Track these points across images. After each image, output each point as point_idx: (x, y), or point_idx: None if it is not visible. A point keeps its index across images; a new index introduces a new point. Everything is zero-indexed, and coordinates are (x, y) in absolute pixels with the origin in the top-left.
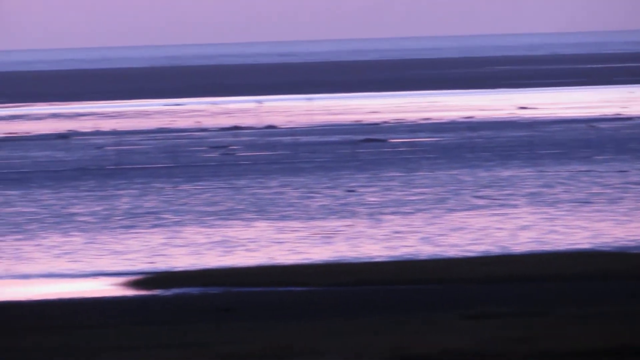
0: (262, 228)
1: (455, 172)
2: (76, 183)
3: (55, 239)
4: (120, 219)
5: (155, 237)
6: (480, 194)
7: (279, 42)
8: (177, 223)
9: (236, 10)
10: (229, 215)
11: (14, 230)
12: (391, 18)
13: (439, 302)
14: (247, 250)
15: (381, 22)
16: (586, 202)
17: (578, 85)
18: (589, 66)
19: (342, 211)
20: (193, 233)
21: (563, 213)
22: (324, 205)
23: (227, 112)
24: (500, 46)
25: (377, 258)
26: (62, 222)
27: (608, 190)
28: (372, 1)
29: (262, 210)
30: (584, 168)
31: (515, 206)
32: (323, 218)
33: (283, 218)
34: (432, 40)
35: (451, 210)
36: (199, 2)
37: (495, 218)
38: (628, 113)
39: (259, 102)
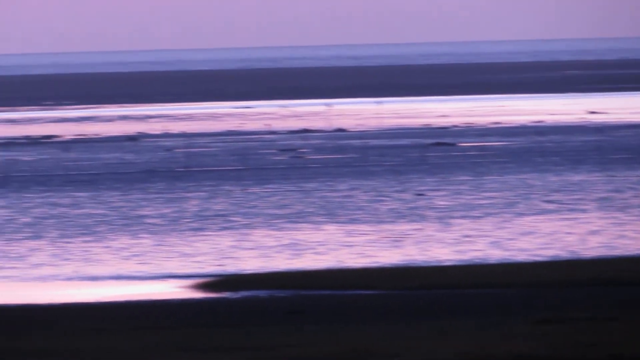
0: (331, 231)
1: (524, 176)
2: (145, 185)
3: (124, 241)
4: (189, 222)
5: (224, 240)
6: (549, 198)
7: (348, 45)
8: (246, 226)
9: (301, 12)
10: (298, 218)
11: (83, 232)
12: (455, 21)
13: (509, 307)
14: (315, 253)
15: (447, 26)
16: None
17: None
18: None
19: (412, 215)
20: (262, 236)
21: (633, 218)
22: (393, 208)
23: (297, 115)
24: (568, 51)
25: (446, 262)
26: (131, 224)
27: None
28: (435, 5)
29: (331, 214)
30: None
31: (584, 211)
32: (392, 221)
33: (352, 221)
34: (502, 44)
35: (520, 214)
36: (263, 4)
37: (565, 223)
38: None
39: (329, 105)
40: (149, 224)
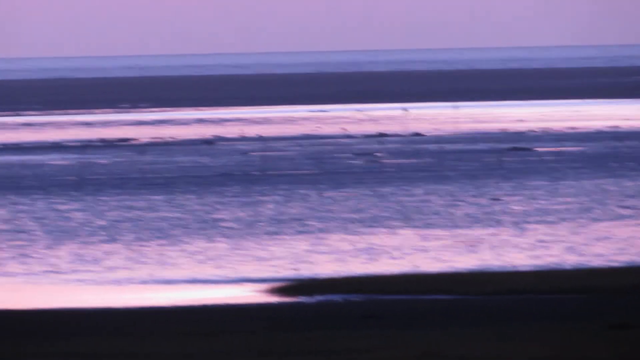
0: (406, 236)
1: (600, 181)
2: (221, 189)
3: (199, 244)
4: (264, 225)
5: (300, 244)
6: (625, 203)
7: (426, 50)
8: (321, 230)
9: (374, 16)
10: (374, 222)
11: (158, 235)
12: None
13: (583, 312)
14: (391, 257)
15: (522, 30)
16: None
17: None
18: None
19: (487, 219)
20: (337, 240)
21: None
22: (469, 213)
23: (373, 119)
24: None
25: (521, 267)
26: (207, 227)
27: None
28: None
29: (406, 218)
30: None
31: None
32: (467, 226)
33: (427, 226)
34: (576, 49)
35: (596, 219)
36: (335, 8)
37: None
38: None
39: (405, 109)
40: (225, 227)
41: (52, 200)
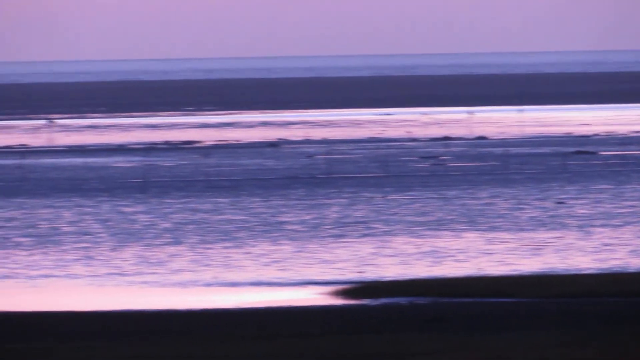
0: (471, 239)
1: None
2: (286, 191)
3: (264, 247)
4: (329, 228)
5: (365, 247)
6: None
7: (488, 53)
8: (386, 233)
9: (439, 19)
10: (439, 225)
11: (224, 237)
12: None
13: None
14: (456, 260)
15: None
16: None
17: None
18: None
19: (552, 223)
20: (402, 243)
21: None
22: (534, 216)
23: (438, 123)
24: None
25: (586, 270)
26: (272, 230)
27: None
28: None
29: (471, 221)
30: None
31: None
32: (532, 229)
33: (492, 229)
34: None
35: None
36: (399, 12)
37: None
38: None
39: (470, 112)
40: (290, 230)
41: (117, 203)
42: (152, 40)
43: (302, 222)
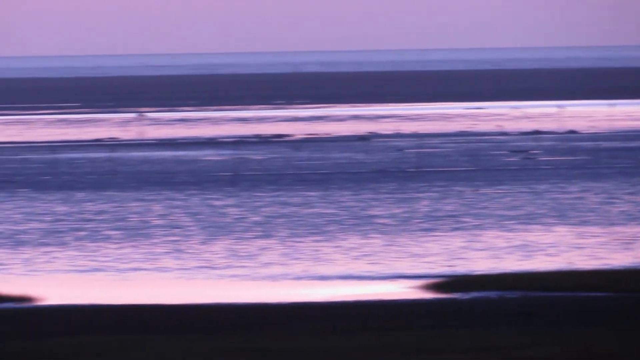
0: (561, 233)
1: None
2: (376, 185)
3: (354, 240)
4: (420, 222)
5: (455, 241)
6: None
7: (583, 47)
8: (476, 226)
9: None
10: (529, 219)
11: (314, 231)
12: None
13: None
14: (546, 255)
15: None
16: None
17: None
18: None
19: None
20: (492, 237)
21: None
22: (625, 210)
23: (528, 117)
24: None
25: None
26: (362, 223)
27: None
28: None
29: (562, 215)
30: None
31: None
32: (623, 224)
33: (583, 223)
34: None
35: None
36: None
37: None
38: None
39: (560, 107)
40: (380, 224)
41: (207, 196)
42: (240, 33)
43: (392, 216)
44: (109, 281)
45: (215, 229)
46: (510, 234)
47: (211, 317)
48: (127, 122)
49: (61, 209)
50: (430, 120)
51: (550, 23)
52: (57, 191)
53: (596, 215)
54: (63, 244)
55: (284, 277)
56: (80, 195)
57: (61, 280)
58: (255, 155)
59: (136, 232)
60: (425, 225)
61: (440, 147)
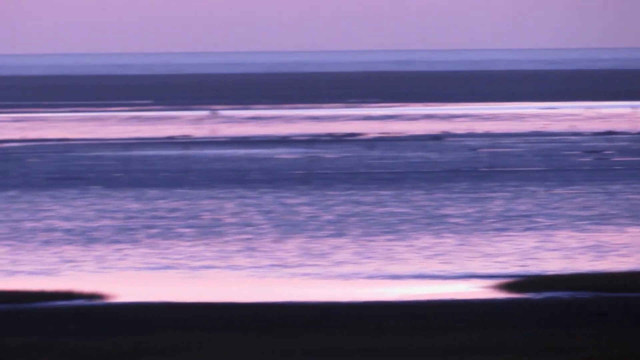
0: (635, 233)
1: None
2: (449, 184)
3: (426, 239)
4: (492, 222)
5: (528, 240)
6: None
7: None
8: (549, 227)
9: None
10: (602, 220)
11: (386, 230)
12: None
13: None
14: (619, 255)
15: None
16: None
17: None
18: None
19: None
20: (565, 237)
21: None
22: None
23: (602, 117)
24: None
25: None
26: (434, 223)
27: None
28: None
29: (635, 216)
30: None
31: None
32: None
33: None
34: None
35: None
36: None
37: None
38: None
39: (633, 107)
40: (452, 223)
41: (280, 194)
42: (318, 32)
43: (465, 215)
44: (181, 279)
45: (288, 227)
46: (583, 234)
47: (281, 315)
48: (200, 119)
49: (133, 206)
50: (503, 120)
51: (613, 24)
52: (130, 188)
53: None
54: (135, 242)
55: (356, 275)
56: (152, 192)
57: (132, 277)
58: (328, 153)
59: (208, 230)
60: (497, 225)
61: (513, 147)
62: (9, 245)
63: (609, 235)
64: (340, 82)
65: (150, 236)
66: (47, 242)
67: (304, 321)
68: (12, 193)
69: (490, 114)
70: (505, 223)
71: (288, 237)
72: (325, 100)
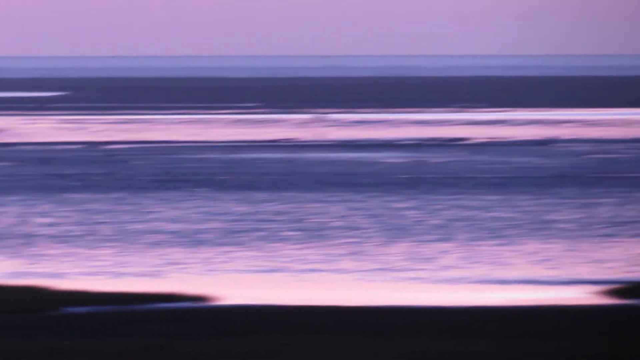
0: None
1: None
2: (556, 190)
3: (533, 245)
4: (600, 227)
5: (636, 247)
6: None
7: None
8: None
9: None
10: None
11: (493, 235)
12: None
13: None
14: None
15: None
16: None
17: None
18: None
19: None
20: None
21: None
22: None
23: None
24: None
25: None
26: (541, 228)
27: None
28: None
29: None
30: None
31: None
32: None
33: None
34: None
35: None
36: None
37: None
38: None
39: None
40: (560, 228)
41: (387, 198)
42: (426, 36)
43: (572, 221)
44: (287, 282)
45: (395, 231)
46: None
47: (383, 319)
48: (305, 123)
49: (240, 209)
50: (611, 126)
51: None
52: (236, 191)
53: None
54: (241, 244)
55: (463, 280)
56: (259, 195)
57: (239, 280)
58: (435, 158)
59: (314, 234)
60: (605, 231)
61: (622, 153)
62: (115, 247)
63: None
64: (447, 87)
65: (257, 239)
66: (153, 244)
67: (408, 325)
68: (118, 195)
69: (597, 120)
70: (613, 229)
71: (394, 241)
72: (432, 104)
